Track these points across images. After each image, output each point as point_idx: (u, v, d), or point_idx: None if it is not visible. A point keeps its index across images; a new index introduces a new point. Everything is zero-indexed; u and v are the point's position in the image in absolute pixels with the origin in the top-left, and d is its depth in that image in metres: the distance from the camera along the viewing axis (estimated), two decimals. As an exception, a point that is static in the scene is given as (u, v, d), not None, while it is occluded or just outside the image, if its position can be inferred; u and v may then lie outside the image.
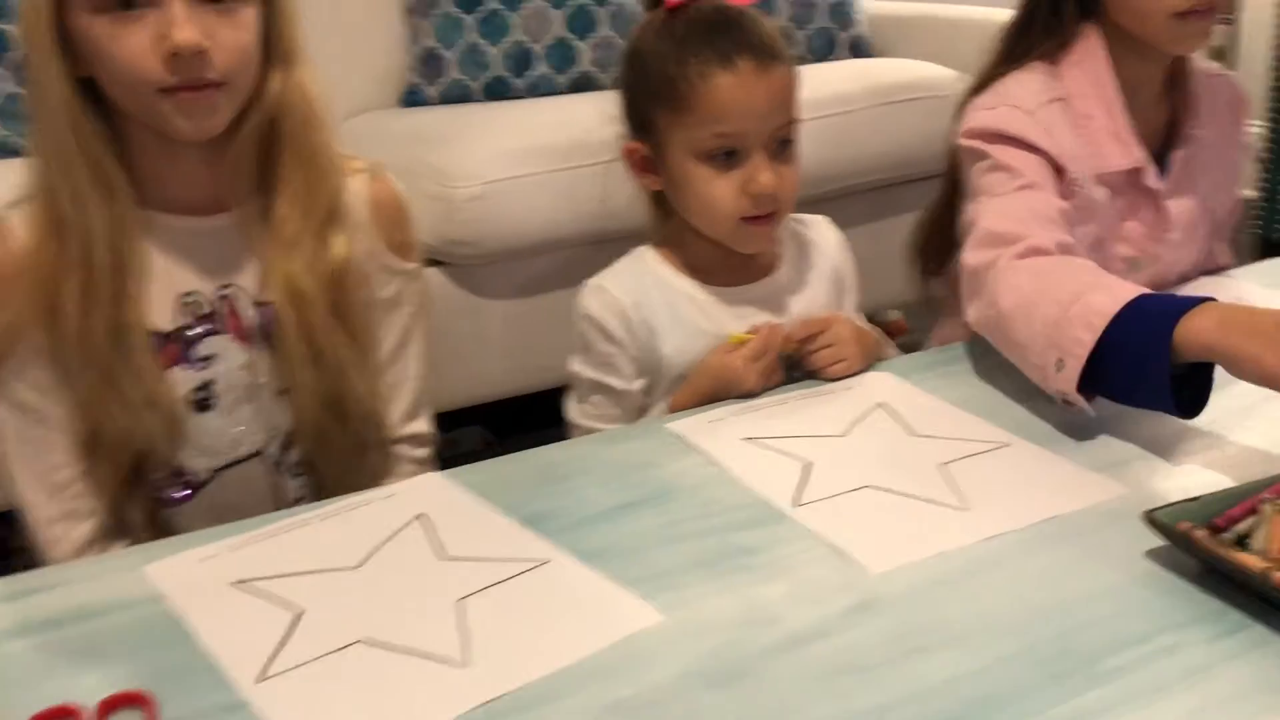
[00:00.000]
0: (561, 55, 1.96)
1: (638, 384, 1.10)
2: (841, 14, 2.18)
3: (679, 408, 1.06)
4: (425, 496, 0.89)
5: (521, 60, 1.94)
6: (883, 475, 0.89)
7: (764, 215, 1.06)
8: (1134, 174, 1.15)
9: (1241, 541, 0.73)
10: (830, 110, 1.79)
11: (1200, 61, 1.21)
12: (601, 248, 1.62)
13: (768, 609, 0.73)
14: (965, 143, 1.16)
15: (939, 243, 1.30)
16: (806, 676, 0.66)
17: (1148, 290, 0.94)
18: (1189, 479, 0.86)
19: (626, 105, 1.11)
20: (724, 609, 0.73)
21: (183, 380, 0.95)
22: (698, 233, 1.10)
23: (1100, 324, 0.90)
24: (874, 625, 0.71)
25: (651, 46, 1.07)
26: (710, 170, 1.04)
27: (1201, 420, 0.95)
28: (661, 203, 1.16)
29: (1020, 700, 0.63)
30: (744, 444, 0.95)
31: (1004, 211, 1.08)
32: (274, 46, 0.91)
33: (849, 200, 1.83)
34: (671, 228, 1.14)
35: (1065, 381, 0.91)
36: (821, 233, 1.21)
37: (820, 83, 1.71)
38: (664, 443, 0.96)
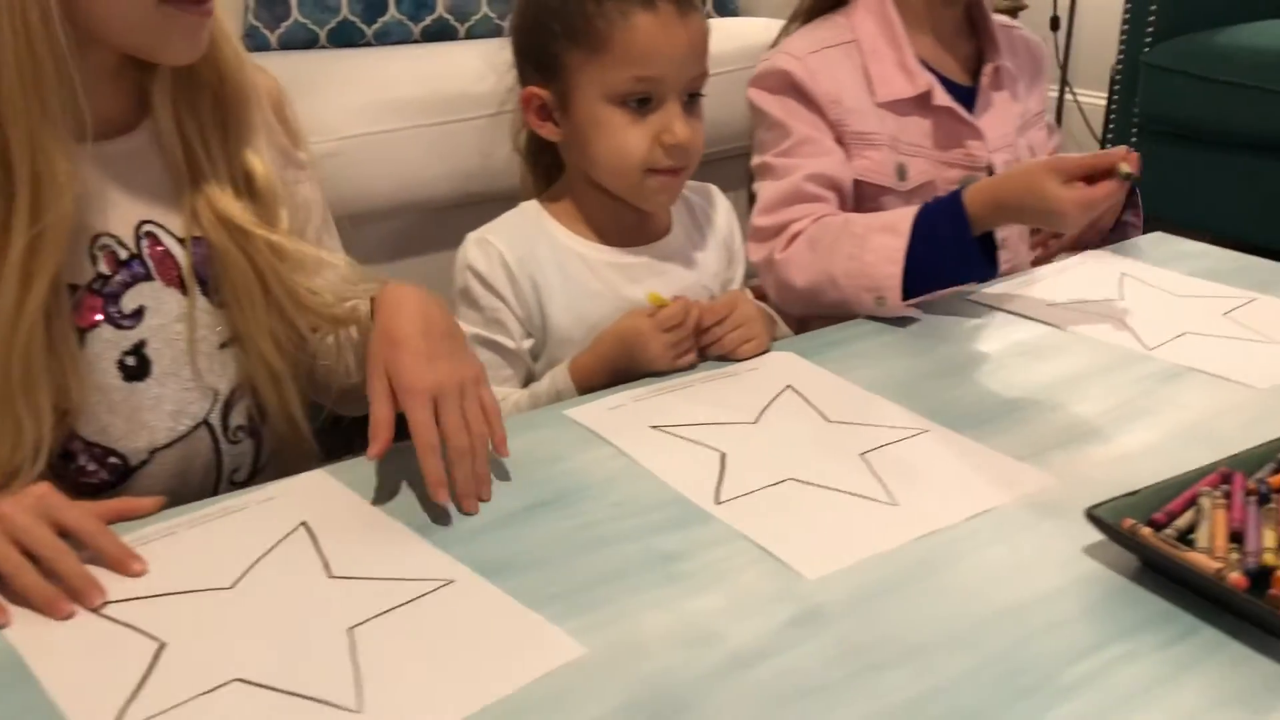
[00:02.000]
0: (416, 1, 1.83)
1: (526, 344, 1.03)
2: (706, -30, 2.12)
3: (582, 371, 0.99)
4: (308, 500, 0.79)
5: (373, 5, 1.80)
6: (803, 467, 0.84)
7: (672, 169, 1.00)
8: (925, 98, 1.23)
9: (1184, 538, 0.71)
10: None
11: (998, 17, 1.32)
12: (466, 210, 1.53)
13: (704, 625, 0.67)
14: (750, 94, 1.26)
15: None
16: (755, 702, 0.61)
17: (907, 208, 1.12)
18: (1110, 465, 0.84)
19: (526, 47, 1.02)
20: (656, 627, 0.66)
21: (110, 342, 0.81)
22: (591, 188, 1.04)
23: (900, 255, 1.08)
24: (820, 640, 0.65)
25: None
26: (623, 116, 0.98)
27: (1109, 404, 0.94)
28: (544, 159, 1.09)
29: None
30: (653, 433, 0.89)
31: (767, 201, 1.20)
32: None
33: (718, 166, 1.77)
34: (562, 184, 1.07)
35: (892, 309, 1.10)
36: (712, 200, 1.17)
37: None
38: (567, 433, 0.89)
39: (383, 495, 0.80)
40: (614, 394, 0.95)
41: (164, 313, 0.83)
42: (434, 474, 0.75)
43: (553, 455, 0.85)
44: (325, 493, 0.80)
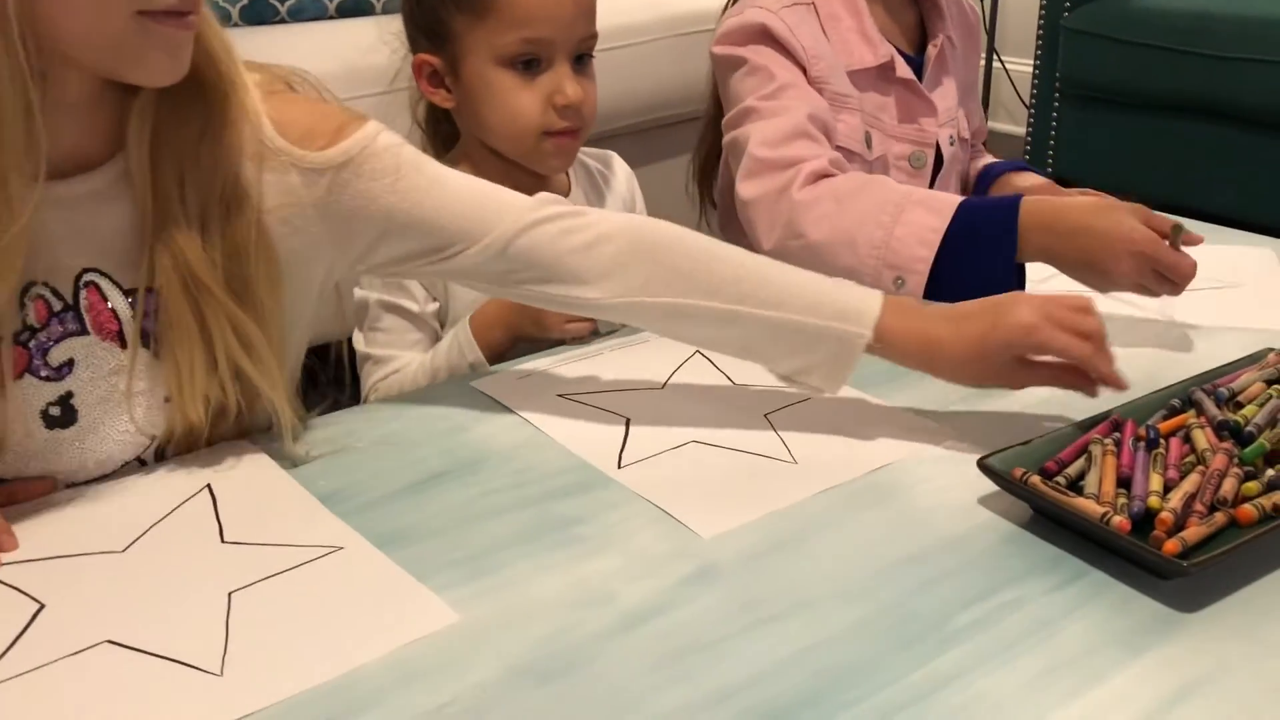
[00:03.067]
0: (329, -24, 1.81)
1: (431, 307, 1.03)
2: (626, -59, 2.11)
3: (481, 326, 0.99)
4: (219, 466, 0.79)
5: (285, -19, 1.77)
6: (707, 429, 0.84)
7: (566, 131, 1.00)
8: (886, 69, 1.18)
9: (1075, 485, 0.72)
10: (621, 41, 1.72)
11: None
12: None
13: (598, 586, 0.66)
14: (718, 50, 1.16)
15: (714, 170, 1.29)
16: (646, 659, 0.60)
17: (956, 197, 1.02)
18: (1012, 418, 0.85)
19: (415, 15, 1.02)
20: (548, 590, 0.66)
21: (34, 393, 0.74)
22: (486, 153, 1.04)
23: (935, 239, 0.98)
24: (712, 596, 0.65)
25: None
26: (514, 79, 0.98)
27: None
28: (442, 128, 1.09)
29: (875, 669, 0.59)
30: (559, 401, 0.88)
31: (768, 135, 1.08)
32: None
33: (641, 137, 1.77)
34: (458, 150, 1.07)
35: (910, 296, 0.97)
36: (612, 166, 1.17)
37: (609, 12, 1.63)
38: (472, 403, 0.88)
39: (295, 463, 0.79)
40: (522, 363, 0.95)
41: (96, 367, 0.76)
42: None
43: (456, 425, 0.85)
44: (240, 459, 0.80)
